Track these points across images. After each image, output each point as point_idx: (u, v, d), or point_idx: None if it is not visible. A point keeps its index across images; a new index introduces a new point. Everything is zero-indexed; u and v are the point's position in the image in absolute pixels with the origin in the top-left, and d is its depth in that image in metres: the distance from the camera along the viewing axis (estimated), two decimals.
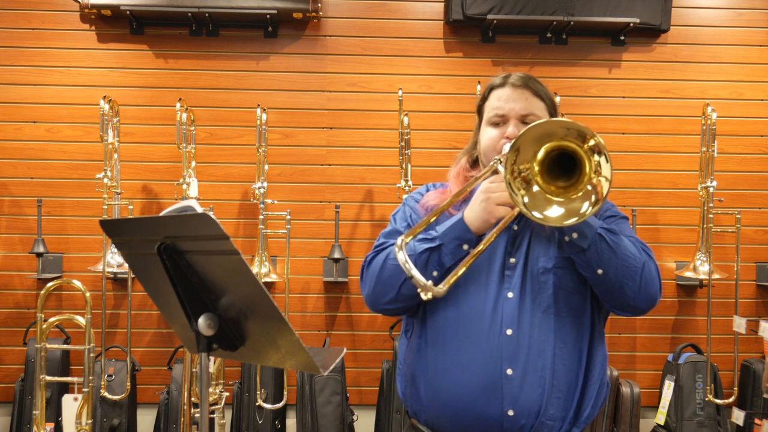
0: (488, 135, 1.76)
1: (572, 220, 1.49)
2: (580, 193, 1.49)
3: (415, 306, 1.71)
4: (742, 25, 3.83)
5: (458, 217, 1.63)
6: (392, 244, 1.69)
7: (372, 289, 1.70)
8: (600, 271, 1.58)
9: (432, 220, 1.56)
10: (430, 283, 1.36)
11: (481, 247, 1.53)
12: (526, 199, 1.51)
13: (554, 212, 1.50)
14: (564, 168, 1.52)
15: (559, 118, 1.51)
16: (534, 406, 1.60)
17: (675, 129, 3.80)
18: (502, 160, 1.62)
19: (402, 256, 1.37)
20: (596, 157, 1.46)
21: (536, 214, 1.50)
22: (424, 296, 1.35)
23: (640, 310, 1.65)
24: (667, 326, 3.79)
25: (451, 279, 1.43)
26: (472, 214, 1.61)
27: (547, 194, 1.52)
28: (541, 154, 1.51)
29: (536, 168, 1.51)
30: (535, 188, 1.52)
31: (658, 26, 3.70)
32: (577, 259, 1.60)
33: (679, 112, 3.80)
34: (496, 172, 1.63)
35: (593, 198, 1.47)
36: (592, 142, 1.45)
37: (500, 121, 1.74)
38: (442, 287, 1.37)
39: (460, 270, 1.47)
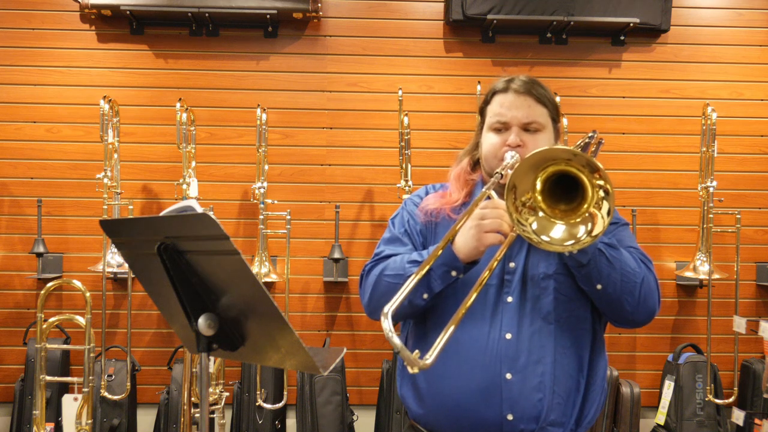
0: (490, 141, 1.74)
1: (569, 243, 1.47)
2: (578, 219, 1.48)
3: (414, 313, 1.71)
4: (742, 25, 3.83)
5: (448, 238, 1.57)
6: (390, 256, 1.70)
7: (368, 301, 1.71)
8: (599, 287, 1.58)
9: (432, 262, 1.51)
10: (415, 355, 1.30)
11: (471, 297, 1.46)
12: (534, 225, 1.49)
13: (557, 233, 1.49)
14: (564, 189, 1.49)
15: (561, 147, 1.47)
16: (534, 411, 1.60)
17: (675, 129, 3.80)
18: (503, 173, 1.61)
19: (387, 325, 1.31)
20: (601, 194, 1.44)
21: (544, 237, 1.48)
22: (410, 370, 1.31)
23: (638, 323, 1.66)
24: (667, 326, 3.79)
25: (437, 347, 1.35)
26: (462, 240, 1.56)
27: (551, 218, 1.50)
28: (540, 180, 1.49)
29: (539, 197, 1.49)
30: (540, 214, 1.50)
31: (658, 26, 3.70)
32: (577, 273, 1.60)
33: (679, 112, 3.80)
34: (490, 198, 1.60)
35: (589, 226, 1.46)
36: (602, 182, 1.43)
37: (502, 128, 1.72)
38: (429, 359, 1.32)
39: (450, 328, 1.39)
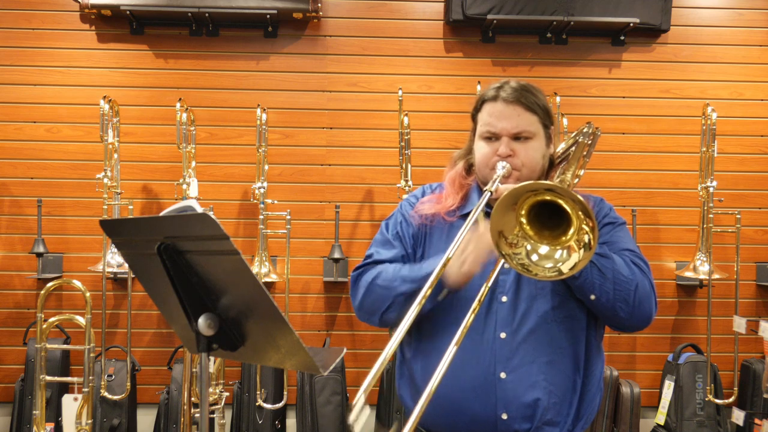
0: (481, 151, 1.74)
1: (549, 266, 1.48)
2: (558, 249, 1.48)
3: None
4: (742, 25, 3.83)
5: (437, 268, 1.51)
6: (379, 261, 1.73)
7: (359, 305, 1.73)
8: (593, 297, 1.60)
9: (429, 291, 1.48)
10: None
11: (470, 316, 1.47)
12: (527, 254, 1.49)
13: (549, 259, 1.49)
14: (549, 215, 1.49)
15: (524, 185, 1.45)
16: (528, 410, 1.60)
17: (675, 129, 3.80)
18: (492, 191, 1.61)
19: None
20: (585, 227, 1.43)
21: (539, 266, 1.48)
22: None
23: (634, 328, 1.66)
24: (667, 326, 3.79)
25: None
26: (451, 270, 1.55)
27: (539, 245, 1.50)
28: (524, 212, 1.49)
29: (528, 228, 1.49)
30: (529, 245, 1.50)
31: (658, 26, 3.70)
32: (570, 283, 1.61)
33: (679, 112, 3.80)
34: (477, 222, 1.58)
35: (567, 262, 1.47)
36: (587, 221, 1.43)
37: (492, 137, 1.72)
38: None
39: (452, 350, 1.40)
